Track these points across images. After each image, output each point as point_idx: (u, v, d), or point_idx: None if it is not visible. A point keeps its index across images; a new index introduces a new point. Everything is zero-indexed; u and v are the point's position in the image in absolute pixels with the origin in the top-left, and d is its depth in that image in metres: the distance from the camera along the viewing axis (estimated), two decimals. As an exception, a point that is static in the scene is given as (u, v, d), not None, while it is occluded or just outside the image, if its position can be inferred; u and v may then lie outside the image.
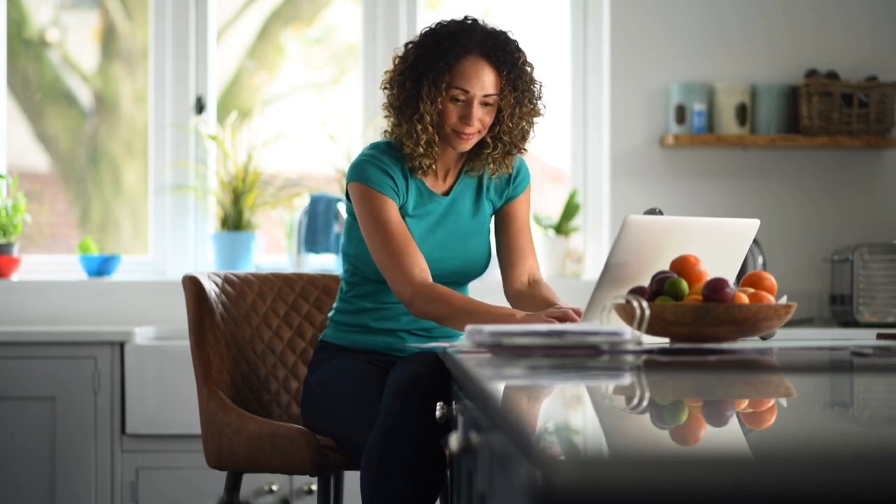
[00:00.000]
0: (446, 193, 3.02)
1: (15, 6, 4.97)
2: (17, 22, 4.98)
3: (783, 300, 2.48)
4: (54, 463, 4.19)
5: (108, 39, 5.04)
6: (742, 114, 4.72)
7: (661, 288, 2.46)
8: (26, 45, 5.01)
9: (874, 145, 4.70)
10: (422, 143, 2.89)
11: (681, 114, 4.71)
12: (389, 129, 2.98)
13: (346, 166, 4.75)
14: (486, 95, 2.89)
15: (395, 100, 2.93)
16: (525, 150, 3.02)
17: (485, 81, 2.88)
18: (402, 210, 2.95)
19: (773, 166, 4.81)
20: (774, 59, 4.80)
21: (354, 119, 4.90)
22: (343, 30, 5.10)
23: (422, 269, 2.87)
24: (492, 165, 2.99)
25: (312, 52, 5.20)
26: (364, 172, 2.92)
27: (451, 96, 2.89)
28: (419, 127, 2.88)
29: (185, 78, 4.86)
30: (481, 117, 2.90)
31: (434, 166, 2.96)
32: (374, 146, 2.99)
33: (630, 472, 1.12)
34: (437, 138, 2.92)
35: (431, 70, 2.87)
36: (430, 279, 2.88)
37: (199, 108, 4.87)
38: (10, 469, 4.19)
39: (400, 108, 2.92)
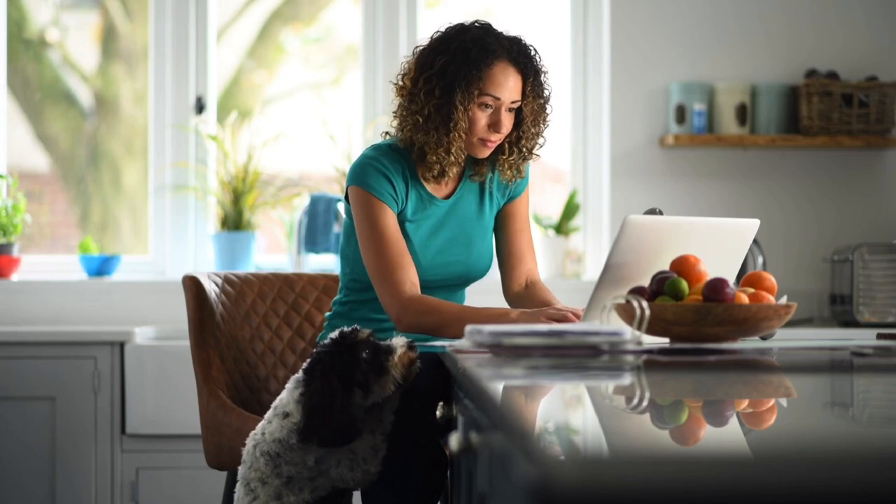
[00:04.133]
0: (447, 197, 3.01)
1: (15, 6, 4.97)
2: (17, 22, 4.98)
3: (783, 300, 2.48)
4: (54, 463, 4.20)
5: (108, 39, 5.04)
6: (742, 114, 4.72)
7: (661, 288, 2.46)
8: (26, 45, 5.01)
9: (874, 145, 4.70)
10: (453, 150, 2.87)
11: (681, 114, 4.70)
12: (407, 136, 2.90)
13: (346, 166, 4.75)
14: (513, 102, 2.88)
15: (423, 107, 2.86)
16: (538, 156, 3.01)
17: (512, 87, 2.87)
18: (401, 216, 2.92)
19: (773, 166, 4.81)
20: (774, 59, 4.80)
21: (354, 119, 4.90)
22: (343, 30, 5.09)
23: (413, 283, 2.84)
24: (508, 172, 2.97)
25: (312, 51, 5.20)
26: (365, 176, 2.88)
27: (482, 103, 2.86)
28: (453, 135, 2.85)
29: (185, 78, 4.86)
30: (507, 123, 2.90)
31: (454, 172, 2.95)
32: (377, 147, 2.94)
33: (630, 472, 1.12)
34: (464, 145, 2.90)
35: (464, 77, 2.84)
36: (419, 292, 2.85)
37: (199, 108, 4.87)
38: (10, 469, 4.19)
39: (428, 116, 2.86)
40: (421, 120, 2.86)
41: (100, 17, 5.05)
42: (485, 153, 2.92)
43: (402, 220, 2.93)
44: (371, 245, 2.86)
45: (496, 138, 2.89)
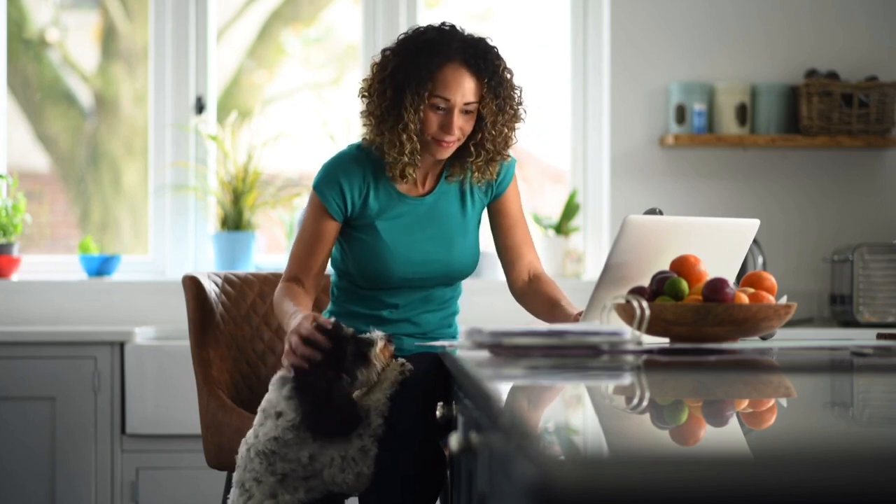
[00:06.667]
0: (425, 196, 3.00)
1: (15, 6, 4.97)
2: (17, 22, 4.98)
3: (783, 300, 2.48)
4: (54, 463, 4.20)
5: (108, 39, 5.04)
6: (742, 114, 4.72)
7: (661, 288, 2.46)
8: (26, 45, 5.02)
9: (874, 145, 4.70)
10: (406, 152, 2.88)
11: (681, 114, 4.70)
12: (368, 137, 2.95)
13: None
14: (466, 104, 2.86)
15: (376, 108, 2.90)
16: (508, 156, 2.99)
17: (465, 89, 2.86)
18: (366, 216, 2.95)
19: (773, 166, 4.81)
20: (774, 59, 4.80)
21: (354, 119, 4.90)
22: (343, 30, 5.10)
23: (298, 279, 2.94)
24: (476, 174, 2.97)
25: (312, 52, 5.20)
26: (320, 183, 2.95)
27: (432, 104, 2.86)
28: (403, 136, 2.86)
29: (185, 78, 4.86)
30: (461, 125, 2.87)
31: (415, 173, 2.96)
32: (341, 154, 2.98)
33: (630, 472, 1.12)
34: (419, 146, 2.90)
35: (413, 79, 2.85)
36: (298, 285, 2.93)
37: (199, 108, 4.87)
38: (11, 469, 4.19)
39: (381, 117, 2.89)
40: (374, 121, 2.91)
41: (100, 17, 5.05)
42: (443, 154, 2.91)
43: (369, 220, 2.95)
44: (297, 238, 2.99)
45: (450, 139, 2.88)
